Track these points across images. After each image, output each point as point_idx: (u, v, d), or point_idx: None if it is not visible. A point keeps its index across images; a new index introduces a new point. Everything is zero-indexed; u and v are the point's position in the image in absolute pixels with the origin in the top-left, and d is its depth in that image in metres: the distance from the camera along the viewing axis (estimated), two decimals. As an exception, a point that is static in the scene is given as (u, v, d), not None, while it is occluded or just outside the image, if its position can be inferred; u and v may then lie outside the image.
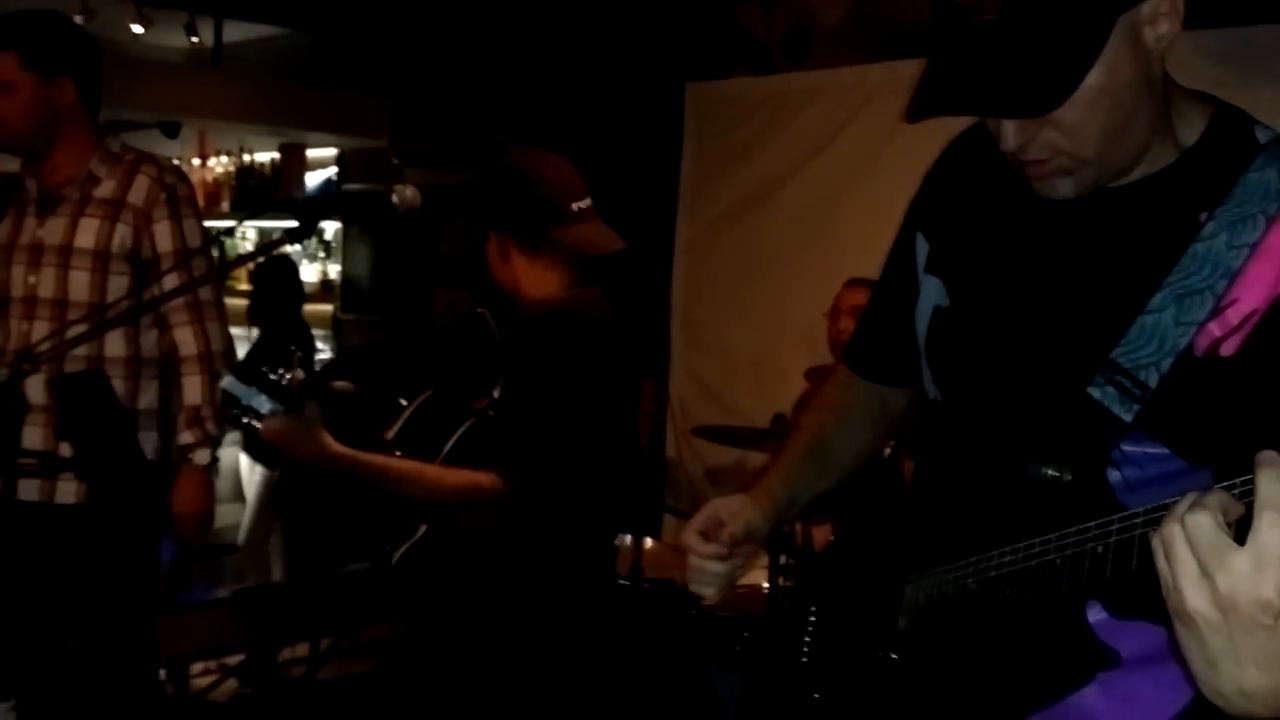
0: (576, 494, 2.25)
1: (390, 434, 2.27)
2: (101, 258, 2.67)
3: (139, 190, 2.70)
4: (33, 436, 2.62)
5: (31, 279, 2.68)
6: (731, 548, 1.52)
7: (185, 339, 2.74)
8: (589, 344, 2.22)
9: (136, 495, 2.68)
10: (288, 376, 2.05)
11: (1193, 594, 0.87)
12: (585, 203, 2.26)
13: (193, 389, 2.75)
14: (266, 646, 4.27)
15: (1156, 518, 1.00)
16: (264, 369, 2.03)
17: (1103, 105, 1.17)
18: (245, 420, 2.06)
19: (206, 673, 4.30)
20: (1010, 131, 1.21)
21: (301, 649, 4.21)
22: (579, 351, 2.20)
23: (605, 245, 2.26)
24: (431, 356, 2.38)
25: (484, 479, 2.10)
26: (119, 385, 2.69)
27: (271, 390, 2.02)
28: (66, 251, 2.67)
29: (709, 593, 1.54)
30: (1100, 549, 1.08)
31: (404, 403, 2.29)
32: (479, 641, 2.27)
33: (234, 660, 4.26)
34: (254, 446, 5.45)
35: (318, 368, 2.18)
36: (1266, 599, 0.84)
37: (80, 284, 2.66)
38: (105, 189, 2.70)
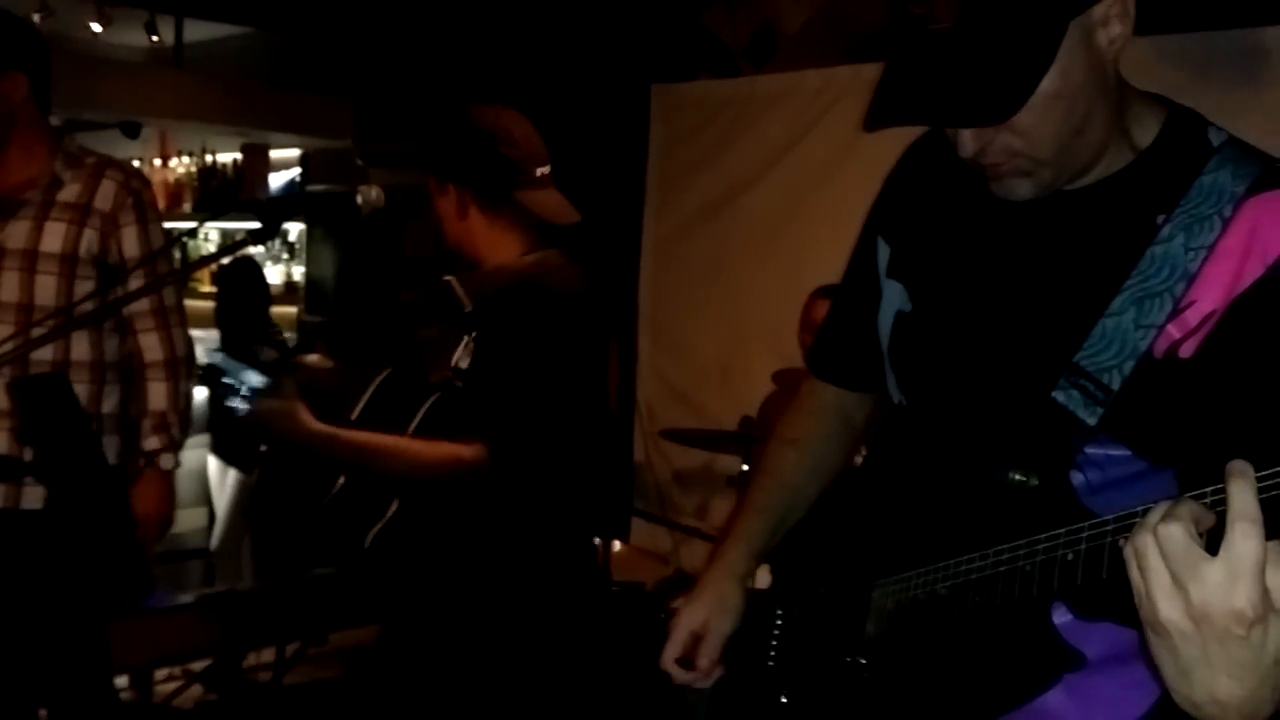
0: (558, 465, 2.26)
1: (354, 414, 2.26)
2: (69, 262, 2.63)
3: (106, 194, 2.67)
4: None
5: None
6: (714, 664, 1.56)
7: (150, 344, 2.72)
8: (562, 311, 2.22)
9: (98, 499, 2.65)
10: (264, 353, 2.05)
11: (1166, 604, 0.88)
12: (547, 169, 2.27)
13: (158, 394, 2.73)
14: (232, 652, 4.24)
15: (1127, 525, 1.01)
16: (249, 345, 2.03)
17: (1058, 109, 1.18)
18: (232, 399, 2.04)
19: (171, 679, 4.26)
20: (967, 138, 1.22)
21: (268, 654, 4.18)
22: (553, 319, 2.20)
23: (564, 214, 2.28)
24: (402, 327, 2.37)
25: (466, 451, 2.09)
26: (84, 389, 2.66)
27: (261, 367, 2.02)
28: (32, 255, 2.63)
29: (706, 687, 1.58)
30: (1070, 556, 1.09)
31: (249, 378, 2.25)
32: (450, 634, 2.26)
33: (199, 666, 4.22)
34: (225, 449, 5.42)
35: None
36: (1239, 610, 0.85)
37: (46, 288, 2.63)
38: (69, 193, 2.67)
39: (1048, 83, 1.15)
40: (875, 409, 1.65)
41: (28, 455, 2.61)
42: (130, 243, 2.69)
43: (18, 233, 2.65)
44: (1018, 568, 1.15)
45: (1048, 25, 1.15)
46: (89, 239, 2.65)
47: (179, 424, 2.75)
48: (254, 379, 2.02)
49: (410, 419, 2.18)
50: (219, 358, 2.02)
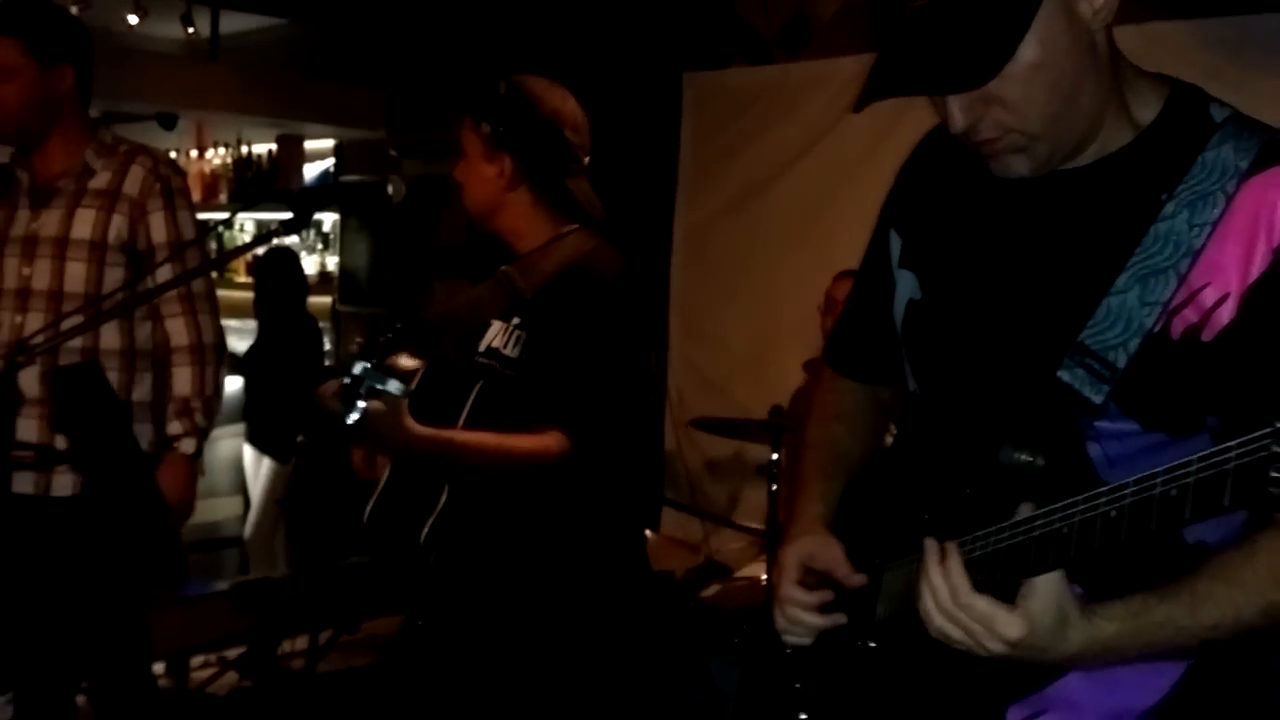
0: (626, 452, 2.31)
1: None
2: (98, 249, 2.67)
3: (134, 181, 2.70)
4: (28, 429, 2.62)
5: (25, 271, 2.68)
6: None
7: (177, 330, 2.74)
8: (618, 296, 2.27)
9: (133, 486, 2.68)
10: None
11: (994, 645, 1.15)
12: (588, 160, 2.33)
13: (183, 380, 2.74)
14: (266, 639, 4.28)
15: (1119, 496, 1.05)
16: (381, 353, 2.06)
17: (1043, 79, 1.19)
18: (354, 410, 2.06)
19: (206, 665, 4.31)
20: (957, 112, 1.24)
21: (301, 642, 4.22)
22: (612, 305, 2.25)
23: (595, 206, 2.34)
24: (465, 321, 2.39)
25: (550, 441, 2.14)
26: (114, 377, 2.69)
27: (399, 376, 2.05)
28: (63, 243, 2.67)
29: (806, 642, 1.51)
30: (1065, 530, 1.11)
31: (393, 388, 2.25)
32: (496, 620, 2.29)
33: (234, 653, 4.26)
34: (261, 438, 5.46)
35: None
36: (1011, 640, 1.14)
37: (76, 275, 2.66)
38: (100, 180, 2.70)
39: (1029, 52, 1.17)
40: (897, 389, 1.65)
41: (59, 443, 2.64)
42: (158, 228, 2.71)
43: (51, 221, 2.69)
44: (1017, 543, 1.17)
45: None
46: (118, 225, 2.68)
47: (203, 410, 2.76)
48: (395, 386, 2.04)
49: (459, 409, 2.21)
50: (360, 367, 2.04)
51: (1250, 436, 0.92)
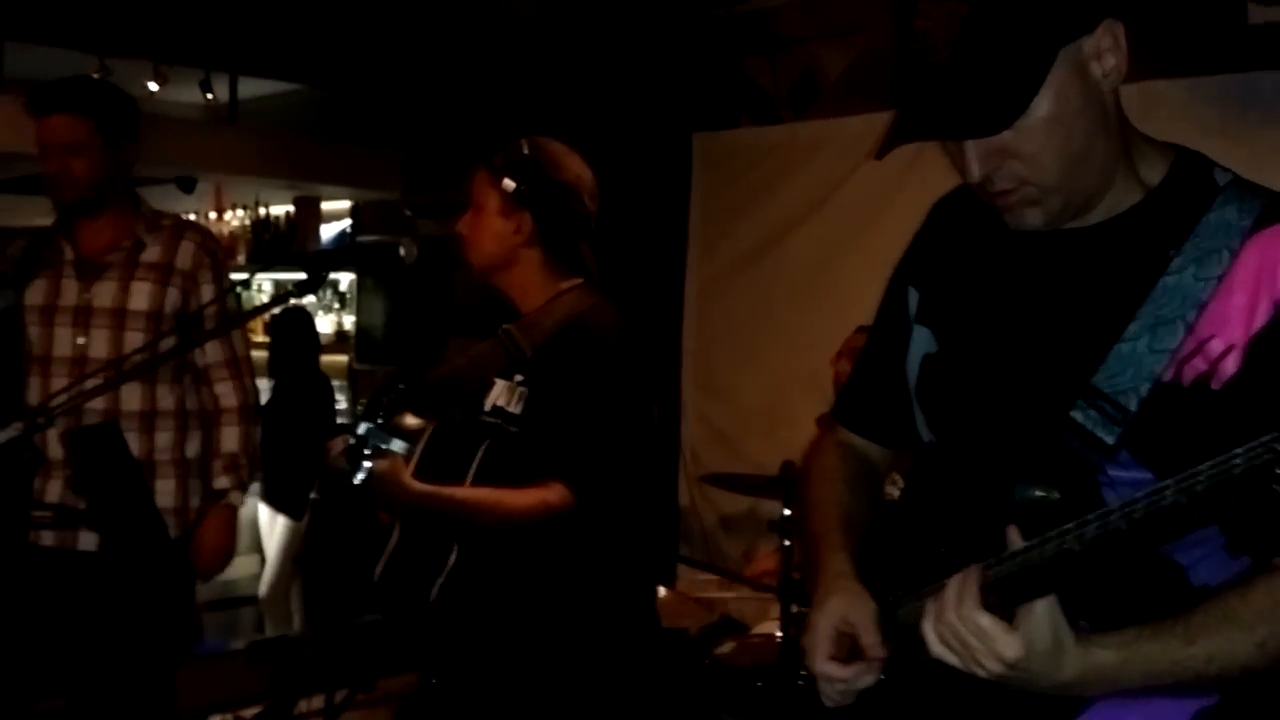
0: (631, 506, 2.33)
1: (411, 469, 2.29)
2: (154, 319, 2.80)
3: (185, 255, 2.86)
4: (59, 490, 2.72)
5: (81, 340, 2.78)
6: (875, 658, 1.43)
7: (226, 393, 2.92)
8: (618, 350, 2.29)
9: (150, 547, 2.70)
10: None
11: (991, 664, 1.16)
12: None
13: (231, 438, 2.91)
14: (283, 698, 4.26)
15: (1128, 512, 1.08)
16: (384, 413, 2.10)
17: (1057, 133, 1.25)
18: (360, 471, 2.10)
19: (222, 725, 4.29)
20: (974, 162, 1.28)
21: (318, 701, 4.20)
22: (612, 359, 2.27)
23: (596, 270, 2.40)
24: (468, 380, 2.42)
25: (551, 496, 2.16)
26: (169, 436, 2.84)
27: (403, 435, 2.09)
28: (120, 314, 2.79)
29: (848, 701, 1.46)
30: (1077, 547, 1.13)
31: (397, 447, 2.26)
32: (509, 677, 2.29)
33: (250, 713, 4.24)
34: (274, 495, 5.48)
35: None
36: (1009, 660, 1.15)
37: (135, 345, 2.78)
38: (152, 254, 2.85)
39: (1044, 106, 1.23)
40: (888, 459, 1.70)
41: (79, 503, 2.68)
42: (208, 299, 2.87)
43: (105, 293, 2.80)
44: (1030, 563, 1.18)
45: (1037, 51, 1.23)
46: (173, 296, 2.82)
47: (249, 466, 2.93)
48: (399, 445, 2.08)
49: (466, 468, 2.23)
50: (364, 427, 2.08)
51: (1255, 443, 0.96)
